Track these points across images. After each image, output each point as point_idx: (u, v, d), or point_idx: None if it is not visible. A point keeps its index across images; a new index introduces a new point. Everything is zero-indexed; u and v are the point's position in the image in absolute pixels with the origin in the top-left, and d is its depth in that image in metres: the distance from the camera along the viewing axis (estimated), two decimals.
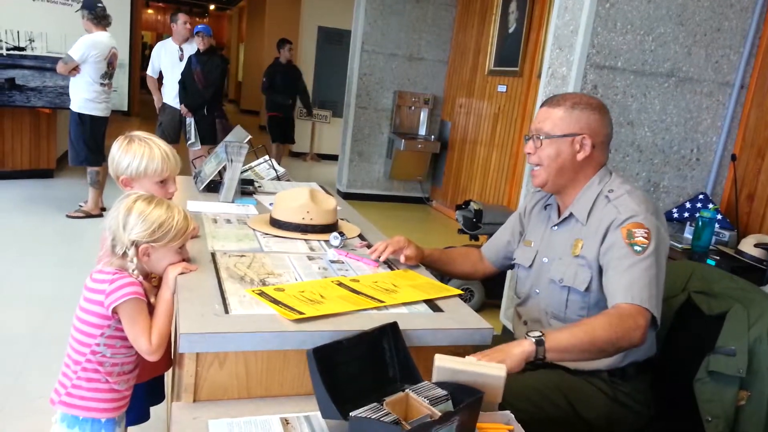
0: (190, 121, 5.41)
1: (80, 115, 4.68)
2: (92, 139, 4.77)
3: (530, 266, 1.73)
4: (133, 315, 1.31)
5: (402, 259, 1.69)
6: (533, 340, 1.27)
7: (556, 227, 1.68)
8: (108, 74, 4.74)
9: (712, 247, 2.85)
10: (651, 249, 1.46)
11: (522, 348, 1.26)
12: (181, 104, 5.41)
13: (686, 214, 3.14)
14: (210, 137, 5.48)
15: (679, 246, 2.90)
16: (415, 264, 1.72)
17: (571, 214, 1.63)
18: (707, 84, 3.08)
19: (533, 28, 5.24)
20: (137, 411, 1.76)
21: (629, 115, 3.01)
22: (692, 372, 1.59)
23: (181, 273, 1.37)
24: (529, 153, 1.63)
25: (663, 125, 3.08)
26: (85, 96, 4.65)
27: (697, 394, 1.54)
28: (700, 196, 3.16)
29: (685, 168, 3.19)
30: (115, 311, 1.31)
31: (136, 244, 1.33)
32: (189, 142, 5.48)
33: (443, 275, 1.89)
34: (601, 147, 1.60)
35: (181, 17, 5.43)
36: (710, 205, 3.07)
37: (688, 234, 3.01)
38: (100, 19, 4.63)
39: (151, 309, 1.37)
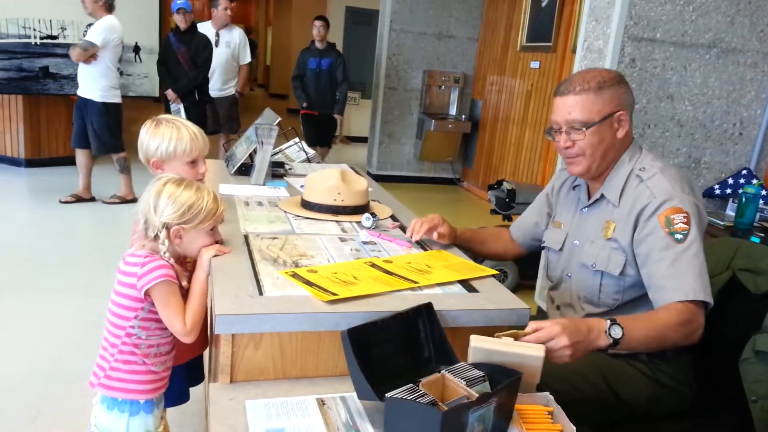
0: (177, 108, 4.96)
1: (105, 104, 4.61)
2: (117, 126, 4.74)
3: (560, 249, 1.68)
4: (166, 297, 1.32)
5: (435, 236, 1.66)
6: (611, 341, 1.24)
7: (586, 209, 1.63)
8: (121, 59, 4.74)
9: (756, 223, 2.75)
10: (693, 235, 1.40)
11: (598, 345, 1.24)
12: (167, 89, 5.06)
13: (729, 191, 3.03)
14: (203, 125, 5.16)
15: (722, 223, 2.81)
16: (448, 242, 1.70)
17: (602, 196, 1.57)
18: (751, 54, 2.95)
19: (567, 0, 5.10)
20: (176, 392, 1.79)
21: (669, 88, 2.90)
22: (736, 351, 1.54)
23: (215, 255, 1.37)
24: (567, 147, 1.53)
25: (704, 98, 2.97)
26: (107, 83, 4.59)
27: (743, 375, 1.49)
28: (744, 172, 3.05)
29: (727, 142, 3.08)
30: (147, 294, 1.32)
31: (167, 227, 1.34)
32: None
33: (475, 256, 1.86)
34: (631, 119, 1.55)
35: (222, 2, 5.35)
36: (754, 181, 2.96)
37: (730, 211, 2.91)
38: (110, 2, 4.50)
39: (183, 292, 1.38)
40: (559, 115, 1.53)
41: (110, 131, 4.71)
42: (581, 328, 1.21)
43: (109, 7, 4.52)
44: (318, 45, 5.84)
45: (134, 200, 4.88)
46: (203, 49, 5.01)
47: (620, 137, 1.52)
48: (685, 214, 1.41)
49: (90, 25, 4.62)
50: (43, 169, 5.74)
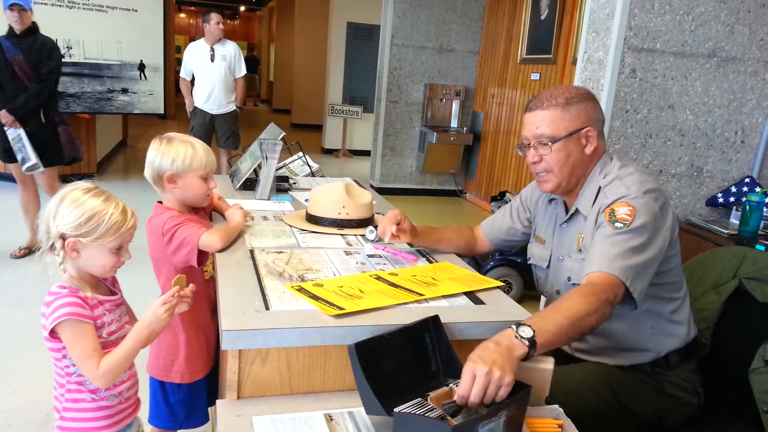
0: (17, 134, 3.68)
1: None
2: None
3: (548, 267, 1.68)
4: (72, 337, 1.21)
5: (394, 230, 1.63)
6: (526, 342, 1.10)
7: (565, 224, 1.62)
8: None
9: (761, 231, 2.74)
10: (634, 225, 1.39)
11: (518, 354, 1.08)
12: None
13: (732, 199, 3.03)
14: (55, 154, 3.89)
15: (725, 231, 2.80)
16: (408, 240, 1.69)
17: (576, 210, 1.57)
18: (752, 63, 2.96)
19: (566, 12, 5.13)
20: (198, 413, 1.79)
21: (670, 98, 2.91)
22: (745, 360, 1.53)
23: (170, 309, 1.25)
24: (534, 162, 1.55)
25: (705, 107, 2.97)
26: None
27: (753, 385, 1.48)
28: (747, 180, 3.04)
29: (729, 151, 3.08)
30: (55, 332, 1.22)
31: (63, 237, 1.21)
32: (27, 165, 3.74)
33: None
34: (601, 135, 1.55)
35: (214, 17, 5.28)
36: (757, 189, 2.96)
37: (734, 219, 2.91)
38: None
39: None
40: (528, 130, 1.55)
41: None
42: (488, 346, 1.07)
43: None
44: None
45: None
46: (48, 55, 3.78)
47: (588, 153, 1.52)
48: (630, 208, 1.41)
49: None
50: None
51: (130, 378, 1.38)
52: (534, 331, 1.12)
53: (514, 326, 1.13)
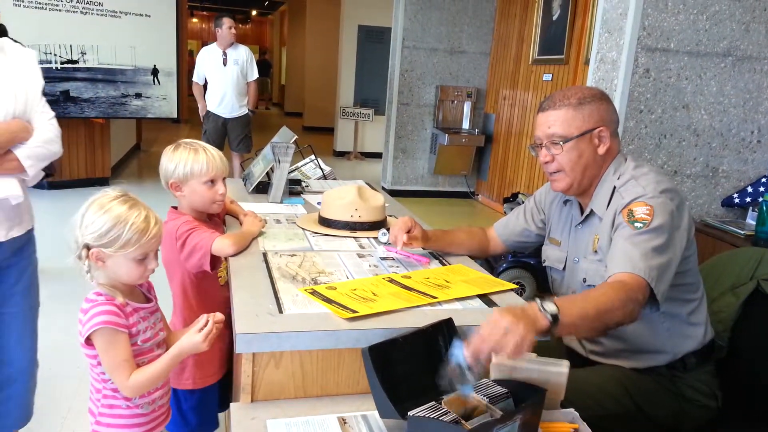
0: None
1: None
2: None
3: (563, 269, 1.67)
4: (105, 346, 1.22)
5: (405, 238, 1.62)
6: (549, 317, 1.11)
7: (580, 226, 1.61)
8: None
9: None
10: (654, 224, 1.38)
11: (540, 324, 1.10)
12: None
13: (748, 199, 2.99)
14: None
15: (742, 232, 2.77)
16: (420, 246, 1.68)
17: (592, 211, 1.56)
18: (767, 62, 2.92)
19: (578, 13, 5.11)
20: (211, 420, 1.79)
21: (684, 98, 2.88)
22: (763, 363, 1.51)
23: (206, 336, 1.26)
24: (546, 162, 1.54)
25: (720, 107, 2.94)
26: None
27: None
28: (763, 180, 3.00)
29: (745, 151, 3.04)
30: (90, 341, 1.23)
31: (87, 247, 1.22)
32: None
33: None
34: (615, 135, 1.54)
35: (226, 21, 5.30)
36: None
37: (751, 219, 2.87)
38: None
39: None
40: (540, 130, 1.54)
41: None
42: (515, 309, 1.10)
43: None
44: None
45: None
46: None
47: (601, 153, 1.51)
48: (648, 208, 1.40)
49: None
50: (64, 191, 5.81)
51: (163, 386, 1.38)
52: (558, 309, 1.13)
53: (538, 299, 1.14)
